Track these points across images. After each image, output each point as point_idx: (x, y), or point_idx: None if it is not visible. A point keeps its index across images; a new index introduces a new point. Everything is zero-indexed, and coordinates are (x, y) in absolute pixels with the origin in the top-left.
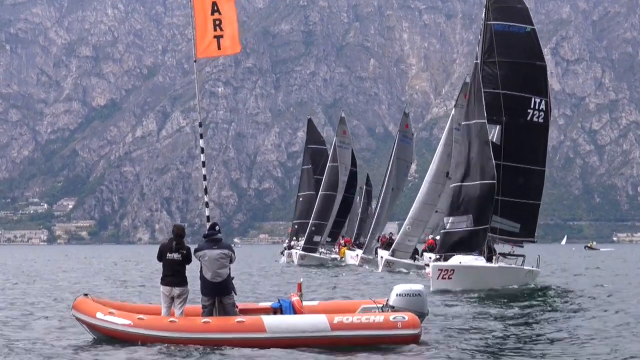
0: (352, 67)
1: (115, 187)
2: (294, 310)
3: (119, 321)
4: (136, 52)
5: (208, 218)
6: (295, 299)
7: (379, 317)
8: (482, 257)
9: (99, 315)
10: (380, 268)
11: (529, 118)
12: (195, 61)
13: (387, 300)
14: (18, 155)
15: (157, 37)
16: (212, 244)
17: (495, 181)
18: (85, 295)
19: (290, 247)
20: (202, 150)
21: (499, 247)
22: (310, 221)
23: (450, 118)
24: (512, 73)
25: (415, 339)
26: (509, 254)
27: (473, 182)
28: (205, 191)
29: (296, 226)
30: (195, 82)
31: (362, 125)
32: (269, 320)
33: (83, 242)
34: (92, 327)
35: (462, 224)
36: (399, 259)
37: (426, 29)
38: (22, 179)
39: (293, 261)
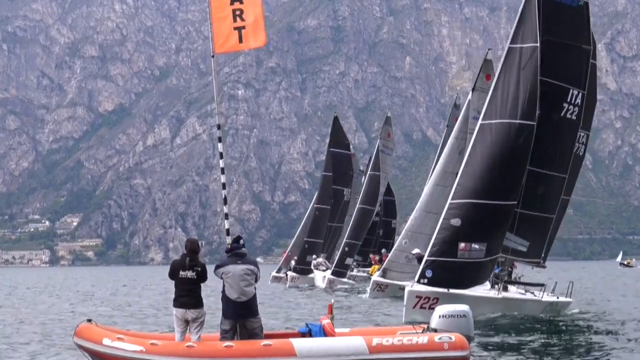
0: (386, 66)
1: (125, 201)
2: (325, 335)
3: (129, 347)
4: (147, 51)
5: (228, 231)
6: (326, 322)
7: (423, 338)
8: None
9: (106, 341)
10: (369, 293)
11: (562, 114)
12: (212, 56)
13: (429, 324)
14: (17, 167)
15: (170, 35)
16: (236, 259)
17: (516, 202)
18: (89, 320)
19: (294, 269)
20: (222, 156)
21: (520, 271)
22: (345, 240)
23: (465, 104)
24: (556, 56)
25: None
26: (525, 283)
27: (492, 200)
28: (225, 201)
29: (306, 245)
30: (214, 79)
31: (398, 130)
32: (300, 343)
33: (89, 263)
34: (98, 356)
35: (474, 253)
36: (393, 281)
37: (467, 24)
38: (21, 193)
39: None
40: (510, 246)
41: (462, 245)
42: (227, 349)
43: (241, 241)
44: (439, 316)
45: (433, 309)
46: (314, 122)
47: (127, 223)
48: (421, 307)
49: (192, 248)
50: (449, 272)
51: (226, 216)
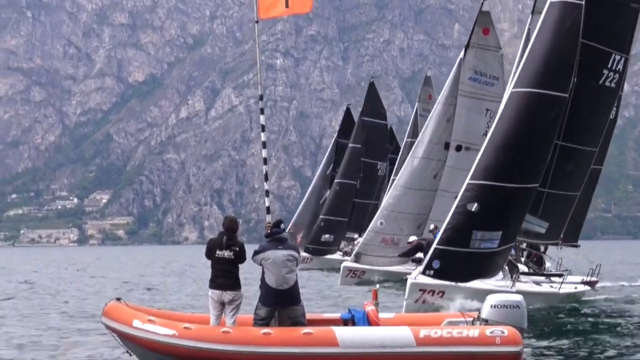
0: (433, 33)
1: (157, 177)
2: (369, 322)
3: (160, 331)
4: (179, 18)
5: (268, 209)
6: (370, 308)
7: (474, 331)
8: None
9: (136, 323)
10: (340, 279)
11: (601, 81)
12: (257, 22)
13: (479, 313)
14: (43, 142)
15: (204, 1)
16: (276, 244)
17: (538, 184)
18: (118, 299)
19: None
20: (263, 128)
21: (553, 252)
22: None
23: (457, 64)
24: (600, 15)
25: (515, 359)
26: (541, 273)
27: (513, 183)
28: (266, 177)
29: (322, 224)
30: (257, 46)
31: None
32: (342, 332)
33: (119, 243)
34: (126, 338)
35: (487, 243)
36: (367, 266)
37: None
38: (47, 169)
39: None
40: (528, 228)
41: (475, 234)
42: (265, 336)
43: (282, 225)
44: (491, 306)
45: (435, 302)
46: (357, 93)
47: (160, 200)
48: (425, 302)
49: (230, 226)
50: (457, 264)
51: (267, 193)
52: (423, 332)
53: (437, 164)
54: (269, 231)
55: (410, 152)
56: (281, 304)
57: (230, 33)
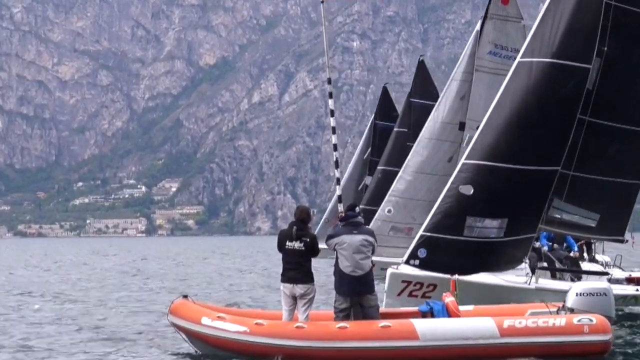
0: None
1: (228, 165)
2: (449, 314)
3: (231, 327)
4: None
5: (340, 198)
6: (449, 299)
7: (560, 320)
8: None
9: (205, 320)
10: None
11: None
12: (322, 2)
13: (564, 302)
14: (110, 127)
15: None
16: (351, 228)
17: (559, 167)
18: (185, 297)
19: None
20: (332, 113)
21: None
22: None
23: (472, 37)
24: None
25: (605, 348)
26: (573, 270)
27: (521, 165)
28: (337, 164)
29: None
30: (323, 26)
31: None
32: (422, 324)
33: (189, 233)
34: (195, 336)
35: (487, 230)
36: (378, 257)
37: None
38: (114, 155)
39: None
40: (573, 221)
41: (469, 220)
42: (340, 330)
43: (356, 209)
44: (577, 294)
45: (428, 298)
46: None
47: (231, 189)
48: (410, 296)
49: (301, 217)
50: (448, 253)
51: (337, 181)
52: (507, 322)
53: (452, 146)
54: (342, 215)
55: (421, 134)
56: (356, 292)
57: (305, 14)
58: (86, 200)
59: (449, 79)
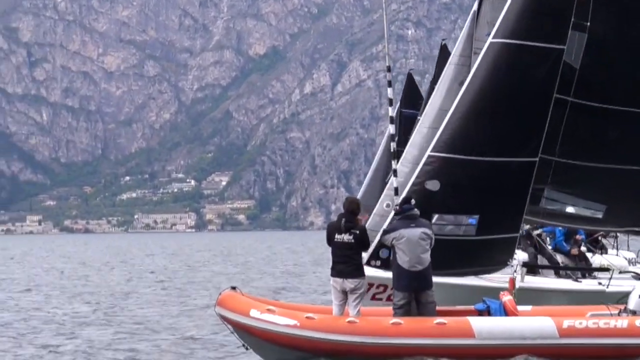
0: None
1: (280, 157)
2: (506, 313)
3: (281, 321)
4: None
5: (397, 191)
6: (507, 298)
7: (622, 322)
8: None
9: (254, 313)
10: None
11: None
12: None
13: (626, 305)
14: (157, 119)
15: None
16: (408, 222)
17: (537, 158)
18: (233, 288)
19: None
20: (391, 102)
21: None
22: None
23: (469, 19)
24: None
25: None
26: (569, 268)
27: (491, 156)
28: (394, 156)
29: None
30: (384, 12)
31: None
32: (479, 322)
33: (240, 228)
34: (243, 329)
35: (456, 228)
36: None
37: None
38: (162, 149)
39: None
40: (574, 213)
41: (435, 217)
42: (394, 327)
43: (412, 201)
44: (639, 296)
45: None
46: None
47: (283, 182)
48: (373, 299)
49: (350, 208)
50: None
51: (394, 173)
52: (567, 322)
53: None
54: (398, 209)
55: (420, 123)
56: (415, 287)
57: (358, 1)
58: (134, 195)
59: (448, 62)
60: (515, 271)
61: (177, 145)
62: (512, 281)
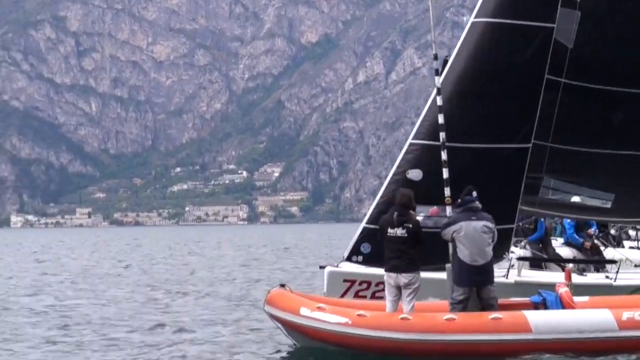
0: None
1: (333, 148)
2: (562, 305)
3: (332, 319)
4: None
5: (447, 182)
6: (563, 290)
7: None
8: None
9: (304, 311)
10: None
11: None
12: None
13: None
14: (208, 110)
15: None
16: (469, 214)
17: (530, 144)
18: (282, 286)
19: None
20: (439, 92)
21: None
22: None
23: None
24: None
25: None
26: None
27: (477, 143)
28: (443, 146)
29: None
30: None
31: None
32: (535, 316)
33: (293, 221)
34: (293, 328)
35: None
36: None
37: None
38: (213, 139)
39: None
40: (586, 203)
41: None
42: (449, 323)
43: (474, 193)
44: None
45: (377, 299)
46: None
47: (337, 173)
48: (356, 297)
49: (403, 201)
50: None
51: (444, 163)
52: (626, 314)
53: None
54: (460, 200)
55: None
56: (477, 282)
57: None
58: (184, 187)
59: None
60: (512, 265)
61: (228, 135)
62: (569, 272)
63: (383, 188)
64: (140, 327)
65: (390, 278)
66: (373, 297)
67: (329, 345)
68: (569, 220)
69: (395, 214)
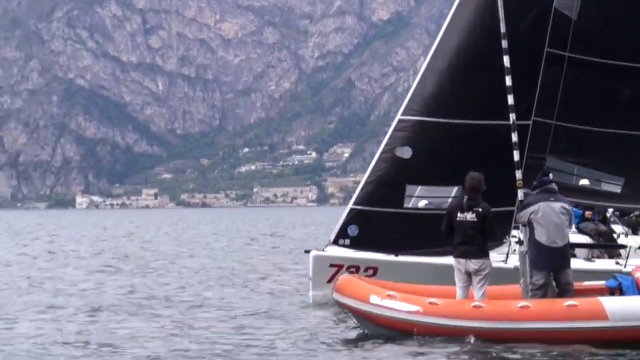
0: None
1: None
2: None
3: (402, 307)
4: None
5: (518, 164)
6: None
7: None
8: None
9: (374, 299)
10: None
11: None
12: None
13: None
14: (277, 89)
15: None
16: (547, 196)
17: (530, 121)
18: (351, 272)
19: None
20: (508, 72)
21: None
22: None
23: None
24: None
25: None
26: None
27: (471, 119)
28: (514, 127)
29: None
30: None
31: None
32: (612, 303)
33: None
34: (363, 316)
35: (438, 200)
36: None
37: None
38: (282, 119)
39: None
40: (593, 187)
41: (410, 189)
42: (523, 310)
43: (550, 175)
44: None
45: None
46: None
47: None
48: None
49: (472, 185)
50: (387, 230)
51: (515, 145)
52: None
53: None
54: (536, 182)
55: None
56: (556, 265)
57: None
58: (252, 168)
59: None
60: (514, 250)
61: (297, 115)
62: None
63: (370, 168)
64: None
65: (459, 264)
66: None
67: (400, 333)
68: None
69: (465, 197)
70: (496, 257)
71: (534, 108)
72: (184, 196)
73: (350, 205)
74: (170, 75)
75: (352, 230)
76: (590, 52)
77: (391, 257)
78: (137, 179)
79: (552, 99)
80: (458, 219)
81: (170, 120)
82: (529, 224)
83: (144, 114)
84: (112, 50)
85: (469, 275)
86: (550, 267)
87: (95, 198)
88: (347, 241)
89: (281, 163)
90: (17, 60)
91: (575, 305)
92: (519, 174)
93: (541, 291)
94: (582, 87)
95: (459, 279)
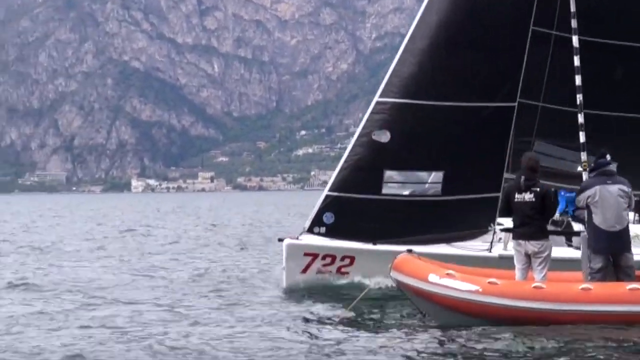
0: None
1: None
2: None
3: (462, 286)
4: None
5: (583, 146)
6: None
7: None
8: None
9: (433, 278)
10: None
11: None
12: None
13: None
14: (334, 70)
15: None
16: (604, 178)
17: (515, 103)
18: (409, 251)
19: None
20: (578, 71)
21: None
22: None
23: None
24: None
25: None
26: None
27: (455, 101)
28: (581, 108)
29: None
30: None
31: None
32: None
33: None
34: (422, 295)
35: (419, 187)
36: None
37: None
38: (339, 101)
39: None
40: (577, 171)
41: (388, 175)
42: (584, 292)
43: (608, 157)
44: None
45: (345, 274)
46: None
47: None
48: (320, 272)
49: (530, 165)
50: (364, 217)
51: (581, 127)
52: None
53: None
54: (593, 164)
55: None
56: (614, 249)
57: None
58: (310, 150)
59: None
60: (500, 239)
61: (355, 97)
62: None
63: (347, 152)
64: None
65: (518, 246)
66: (339, 272)
67: (459, 313)
68: (563, 193)
69: (522, 178)
70: (480, 246)
71: (519, 89)
72: (240, 179)
73: (325, 191)
74: (226, 57)
75: (328, 217)
76: (578, 31)
77: (369, 246)
78: (193, 162)
79: (538, 79)
80: (516, 200)
81: (226, 103)
82: (587, 208)
83: (199, 96)
84: (167, 31)
85: (528, 257)
86: (608, 251)
87: (151, 181)
88: (323, 229)
89: (339, 146)
90: (72, 42)
91: (638, 289)
92: (583, 156)
93: (599, 274)
94: (571, 68)
95: (518, 260)
